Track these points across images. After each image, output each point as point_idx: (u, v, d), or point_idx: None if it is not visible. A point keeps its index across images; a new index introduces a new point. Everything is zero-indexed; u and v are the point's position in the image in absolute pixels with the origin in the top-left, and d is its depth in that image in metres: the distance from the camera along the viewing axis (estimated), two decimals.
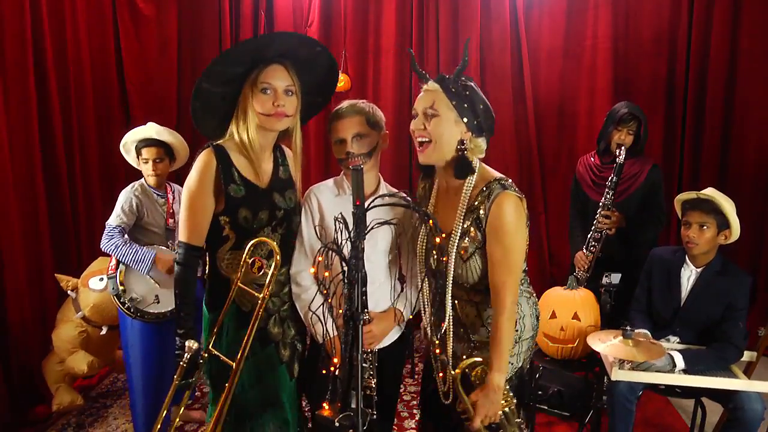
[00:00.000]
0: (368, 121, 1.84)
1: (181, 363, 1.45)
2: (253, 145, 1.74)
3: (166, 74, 4.18)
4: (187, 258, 1.73)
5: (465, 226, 1.67)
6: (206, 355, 1.57)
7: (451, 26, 4.19)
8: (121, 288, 2.50)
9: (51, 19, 3.30)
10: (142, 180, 2.66)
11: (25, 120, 3.12)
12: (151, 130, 2.63)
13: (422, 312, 1.84)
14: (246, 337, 1.52)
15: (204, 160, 1.71)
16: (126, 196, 2.58)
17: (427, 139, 1.65)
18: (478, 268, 1.68)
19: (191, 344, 1.46)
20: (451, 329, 1.75)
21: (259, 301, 1.54)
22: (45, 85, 3.28)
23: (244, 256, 1.59)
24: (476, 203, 1.65)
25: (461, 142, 1.64)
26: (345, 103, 1.88)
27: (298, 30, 4.36)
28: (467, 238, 1.67)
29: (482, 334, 1.75)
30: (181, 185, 2.78)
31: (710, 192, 2.42)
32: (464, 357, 1.75)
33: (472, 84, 1.67)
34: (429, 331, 1.80)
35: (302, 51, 1.74)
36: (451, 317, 1.74)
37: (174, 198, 2.71)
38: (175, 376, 1.46)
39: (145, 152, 2.60)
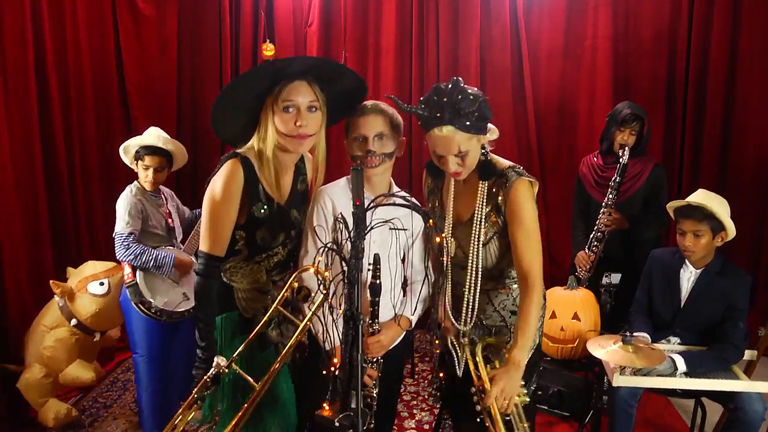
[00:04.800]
0: (391, 123, 1.82)
1: (205, 378, 1.42)
2: (272, 163, 1.69)
3: (166, 74, 4.18)
4: (208, 269, 1.67)
5: (485, 211, 1.73)
6: (227, 370, 1.55)
7: (451, 26, 4.19)
8: (146, 294, 2.50)
9: (51, 19, 3.31)
10: (137, 183, 2.65)
11: (25, 120, 3.12)
12: (156, 138, 2.61)
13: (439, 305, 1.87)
14: (273, 367, 1.49)
15: (231, 170, 1.64)
16: (128, 201, 2.55)
17: (462, 170, 1.71)
18: (495, 251, 1.76)
19: (220, 361, 1.44)
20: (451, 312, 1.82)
21: (300, 327, 1.50)
22: (45, 85, 3.28)
23: (290, 281, 1.53)
24: (494, 190, 1.72)
25: (482, 147, 1.71)
26: (368, 102, 1.85)
27: (298, 30, 4.37)
28: (487, 223, 1.73)
29: (494, 318, 1.83)
30: (169, 187, 2.82)
31: (700, 198, 2.40)
32: (478, 340, 1.81)
33: (469, 96, 1.58)
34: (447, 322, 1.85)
35: (325, 69, 1.70)
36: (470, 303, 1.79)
37: (165, 200, 2.72)
38: (196, 389, 1.44)
39: (148, 160, 2.59)
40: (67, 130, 3.49)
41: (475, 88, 1.63)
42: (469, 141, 1.63)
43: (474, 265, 1.74)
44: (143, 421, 2.69)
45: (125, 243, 2.49)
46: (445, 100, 1.57)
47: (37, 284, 3.20)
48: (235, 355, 1.48)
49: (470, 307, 1.78)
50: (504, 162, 1.76)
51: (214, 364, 1.41)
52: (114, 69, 3.92)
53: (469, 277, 1.76)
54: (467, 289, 1.77)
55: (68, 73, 3.49)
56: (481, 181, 1.74)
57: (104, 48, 3.83)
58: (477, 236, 1.73)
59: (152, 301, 2.50)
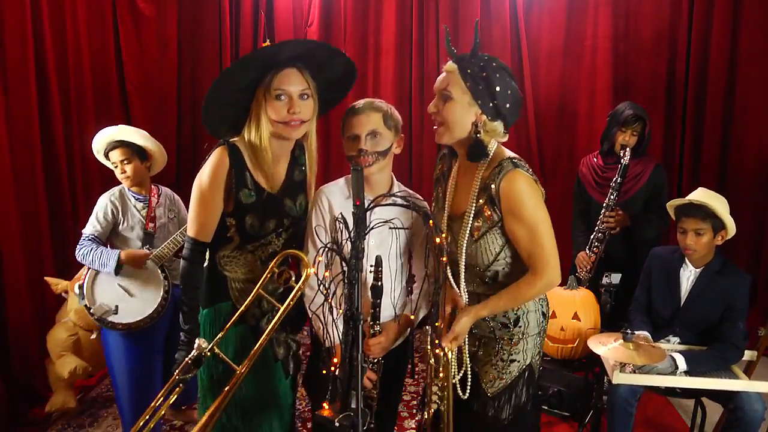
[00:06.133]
0: (385, 120, 1.80)
1: (187, 359, 1.44)
2: (266, 153, 1.69)
3: (166, 74, 4.18)
4: (193, 254, 1.70)
5: (478, 204, 1.64)
6: (209, 353, 1.56)
7: (451, 26, 4.19)
8: (90, 297, 2.44)
9: (51, 19, 3.30)
10: (123, 184, 2.58)
11: (25, 120, 3.12)
12: (110, 131, 2.52)
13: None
14: (255, 349, 1.49)
15: (218, 157, 1.67)
16: (102, 203, 2.51)
17: (440, 121, 1.65)
18: (490, 249, 1.66)
19: (201, 342, 1.45)
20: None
21: (278, 313, 1.51)
22: (45, 85, 3.28)
23: (271, 265, 1.55)
24: (488, 181, 1.63)
25: (475, 124, 1.61)
26: (362, 100, 1.83)
27: (298, 30, 4.37)
28: (481, 218, 1.64)
29: (483, 328, 1.74)
30: (169, 186, 2.79)
31: (701, 196, 2.40)
32: (470, 350, 1.75)
33: (495, 64, 1.60)
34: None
35: (316, 54, 1.70)
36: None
37: (158, 201, 2.61)
38: (177, 371, 1.45)
39: (111, 156, 2.52)
40: (67, 130, 3.48)
41: (509, 78, 1.61)
42: (461, 90, 1.59)
43: (463, 261, 1.68)
44: (125, 428, 2.63)
45: (81, 243, 2.46)
46: (470, 53, 1.63)
47: (36, 285, 3.20)
48: (217, 337, 1.50)
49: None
50: (506, 152, 1.67)
51: (195, 345, 1.43)
52: (114, 69, 3.92)
53: (461, 274, 1.70)
54: (459, 287, 1.71)
55: (68, 73, 3.48)
56: (477, 170, 1.67)
57: (104, 48, 3.83)
58: (466, 230, 1.66)
59: (90, 306, 2.44)
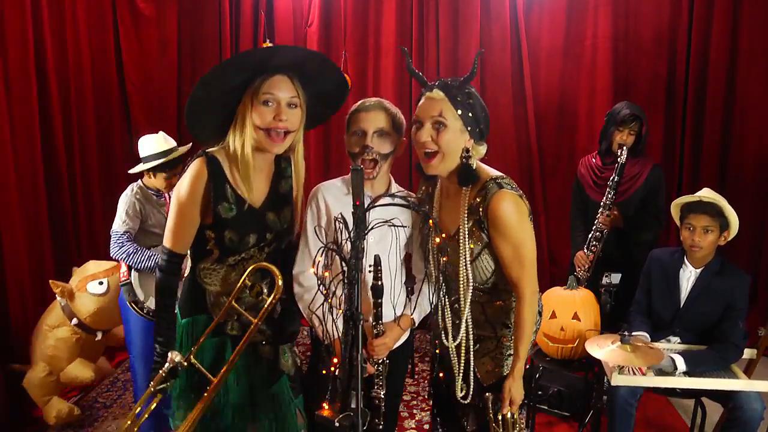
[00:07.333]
0: (392, 121, 1.80)
1: (161, 372, 1.43)
2: (248, 162, 1.63)
3: (166, 74, 4.19)
4: (169, 265, 1.66)
5: (469, 226, 1.67)
6: (186, 364, 1.53)
7: (451, 26, 4.20)
8: (138, 294, 2.49)
9: (52, 19, 3.31)
10: (140, 182, 2.64)
11: (26, 120, 3.13)
12: (178, 147, 2.61)
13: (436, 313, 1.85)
14: (229, 361, 1.49)
15: (196, 170, 1.61)
16: (127, 201, 2.55)
17: (434, 150, 1.64)
18: (486, 268, 1.70)
19: (174, 356, 1.44)
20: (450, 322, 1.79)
21: (252, 326, 1.49)
22: (46, 85, 3.28)
23: (243, 277, 1.52)
24: (475, 204, 1.66)
25: (466, 150, 1.64)
26: (372, 99, 1.83)
27: (298, 30, 4.37)
28: (472, 240, 1.67)
29: (485, 328, 1.78)
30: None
31: (711, 194, 2.42)
32: (466, 344, 1.78)
33: (473, 90, 1.66)
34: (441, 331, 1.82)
35: (309, 64, 1.64)
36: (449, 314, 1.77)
37: (168, 200, 2.68)
38: (152, 384, 1.44)
39: (164, 167, 2.59)
40: (67, 130, 3.49)
41: (480, 97, 1.69)
42: (453, 117, 1.60)
43: (465, 283, 1.70)
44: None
45: (119, 241, 2.50)
46: (444, 78, 1.66)
47: (38, 284, 3.21)
48: (191, 351, 1.50)
49: (460, 324, 1.74)
50: (489, 172, 1.70)
51: (168, 359, 1.42)
52: (114, 69, 3.93)
53: (462, 294, 1.72)
54: (461, 306, 1.73)
55: (68, 73, 3.49)
56: (462, 193, 1.68)
57: (104, 48, 3.84)
58: (465, 253, 1.67)
59: (144, 301, 2.50)
